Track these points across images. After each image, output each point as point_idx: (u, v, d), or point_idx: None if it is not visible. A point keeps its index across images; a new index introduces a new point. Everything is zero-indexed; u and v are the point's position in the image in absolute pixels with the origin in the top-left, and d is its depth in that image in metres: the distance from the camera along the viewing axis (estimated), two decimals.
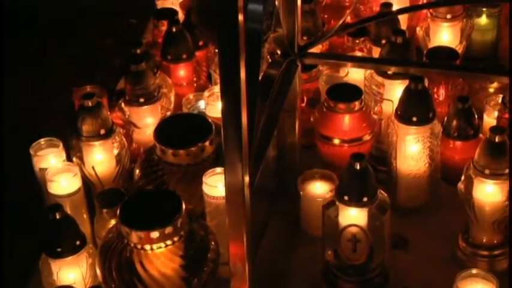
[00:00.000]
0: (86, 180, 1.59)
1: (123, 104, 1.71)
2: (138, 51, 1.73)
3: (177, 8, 2.05)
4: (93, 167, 1.58)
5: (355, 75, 1.81)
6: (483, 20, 1.92)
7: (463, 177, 1.48)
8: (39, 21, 2.37)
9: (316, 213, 1.48)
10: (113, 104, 1.76)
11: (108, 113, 1.61)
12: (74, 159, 1.59)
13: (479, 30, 1.93)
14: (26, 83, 2.14)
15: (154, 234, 1.27)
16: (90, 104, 1.55)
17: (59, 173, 1.56)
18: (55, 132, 1.64)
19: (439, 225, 1.60)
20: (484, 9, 1.91)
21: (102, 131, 1.56)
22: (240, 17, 1.18)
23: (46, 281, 1.44)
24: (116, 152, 1.60)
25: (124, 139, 1.62)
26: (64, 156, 1.61)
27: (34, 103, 2.03)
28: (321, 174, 1.59)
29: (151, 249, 1.28)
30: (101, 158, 1.59)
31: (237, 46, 1.18)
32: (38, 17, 2.38)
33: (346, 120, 1.64)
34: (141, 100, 1.69)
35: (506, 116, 1.61)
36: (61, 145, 1.61)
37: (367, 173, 1.39)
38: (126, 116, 1.71)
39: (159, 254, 1.28)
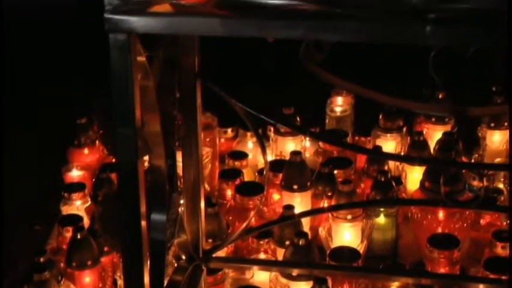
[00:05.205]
0: None
1: None
2: (42, 259, 1.71)
3: (83, 213, 2.06)
4: None
5: (260, 277, 1.82)
6: (381, 219, 1.99)
7: None
8: None
9: None
10: None
11: None
12: None
13: (379, 230, 1.99)
14: None
15: None
16: None
17: None
18: None
19: None
20: (382, 209, 1.98)
21: None
22: (143, 225, 1.20)
23: None
24: None
25: None
26: None
27: None
28: None
29: None
30: None
31: (140, 254, 1.20)
32: None
33: None
34: None
35: None
36: None
37: None
38: None
39: None
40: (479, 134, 2.27)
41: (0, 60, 2.88)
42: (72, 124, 2.34)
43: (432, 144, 2.15)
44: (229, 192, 2.12)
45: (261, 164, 2.29)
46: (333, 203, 1.95)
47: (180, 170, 1.55)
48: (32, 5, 3.04)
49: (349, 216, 1.91)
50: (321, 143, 2.29)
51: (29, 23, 2.97)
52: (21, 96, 2.86)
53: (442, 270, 1.79)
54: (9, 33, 2.83)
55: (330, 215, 1.95)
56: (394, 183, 2.00)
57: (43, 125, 2.69)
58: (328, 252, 1.85)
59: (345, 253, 1.82)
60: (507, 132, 2.23)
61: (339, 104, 2.45)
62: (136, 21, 1.12)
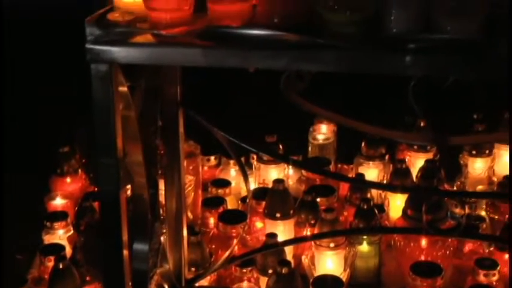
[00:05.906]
0: None
1: None
2: None
3: (65, 242, 2.04)
4: None
5: None
6: (364, 247, 1.99)
7: None
8: None
9: None
10: None
11: None
12: None
13: (362, 257, 1.98)
14: None
15: None
16: None
17: None
18: None
19: None
20: (365, 237, 1.98)
21: None
22: (125, 254, 1.20)
23: None
24: None
25: None
26: None
27: None
28: None
29: None
30: None
31: (122, 284, 1.19)
32: None
33: None
34: None
35: None
36: None
37: None
38: None
39: None
40: (461, 162, 2.28)
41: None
42: (55, 153, 2.34)
43: (414, 172, 2.16)
44: (212, 221, 2.12)
45: (244, 191, 2.28)
46: (316, 231, 1.95)
47: (162, 198, 1.55)
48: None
49: (332, 244, 1.91)
50: (303, 171, 2.29)
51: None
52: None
53: None
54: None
55: (313, 243, 1.94)
56: (376, 211, 2.00)
57: (26, 152, 2.68)
58: (311, 280, 1.85)
59: (328, 281, 1.82)
60: (488, 159, 2.24)
61: (322, 132, 2.46)
62: (118, 52, 1.12)
